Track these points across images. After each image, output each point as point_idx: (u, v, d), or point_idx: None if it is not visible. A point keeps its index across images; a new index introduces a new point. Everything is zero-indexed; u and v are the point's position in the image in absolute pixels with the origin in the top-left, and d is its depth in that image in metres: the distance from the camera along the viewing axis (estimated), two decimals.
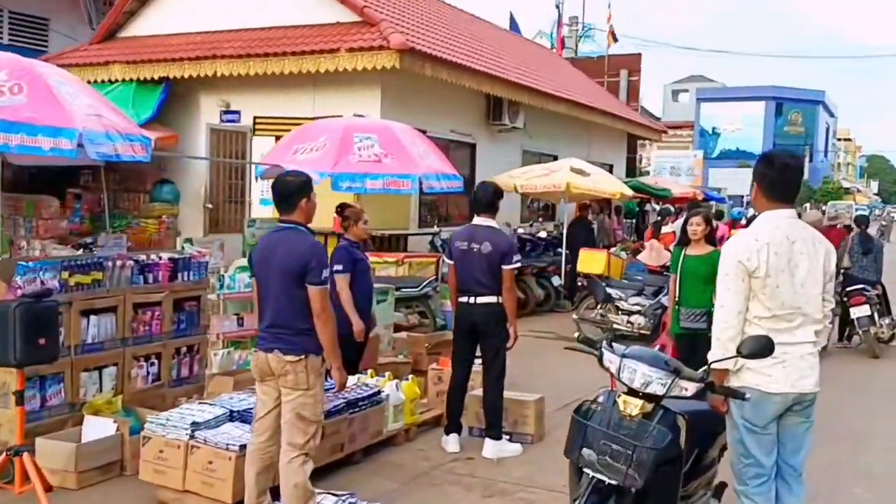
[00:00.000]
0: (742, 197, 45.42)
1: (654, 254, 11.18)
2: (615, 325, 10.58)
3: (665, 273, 10.81)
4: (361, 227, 6.68)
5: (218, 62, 13.11)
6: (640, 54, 26.35)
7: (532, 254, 14.98)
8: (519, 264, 5.96)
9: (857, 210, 53.87)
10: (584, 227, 14.66)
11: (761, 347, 3.41)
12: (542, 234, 15.69)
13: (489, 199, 5.95)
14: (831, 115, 73.45)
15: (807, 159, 59.64)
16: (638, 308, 10.48)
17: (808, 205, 45.88)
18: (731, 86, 70.66)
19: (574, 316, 10.94)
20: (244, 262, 7.06)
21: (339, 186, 7.25)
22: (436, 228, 13.10)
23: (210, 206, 13.50)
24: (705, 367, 3.62)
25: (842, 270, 10.81)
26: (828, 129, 71.94)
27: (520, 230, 14.92)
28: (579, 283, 11.39)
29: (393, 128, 7.88)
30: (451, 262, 6.03)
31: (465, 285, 5.92)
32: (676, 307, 6.97)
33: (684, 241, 7.13)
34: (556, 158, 16.89)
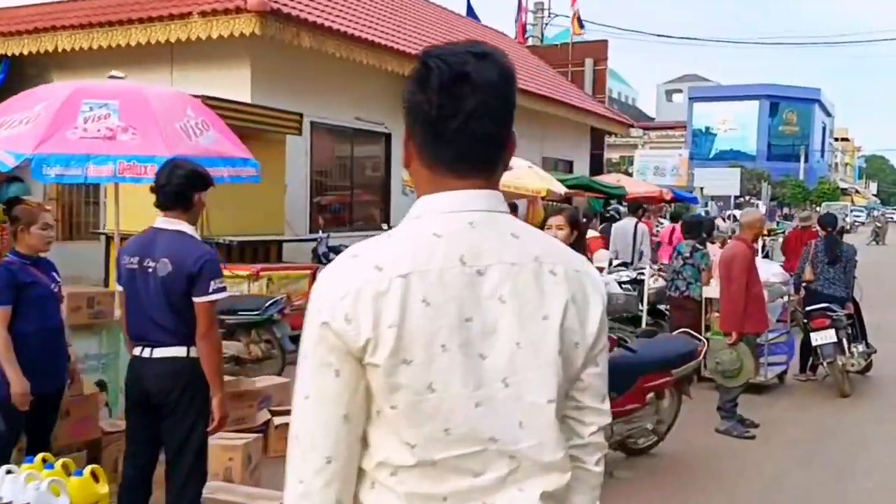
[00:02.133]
0: (730, 198, 43.33)
1: None
2: None
3: None
4: (37, 233, 4.40)
5: (59, 35, 10.95)
6: (606, 41, 24.03)
7: None
8: (223, 294, 3.66)
9: (851, 211, 51.82)
10: None
11: None
12: None
13: (177, 186, 3.65)
14: (828, 114, 71.39)
15: (802, 159, 57.66)
16: None
17: (759, 201, 43.06)
18: (725, 84, 68.73)
19: None
20: None
21: (42, 174, 5.02)
22: (320, 233, 10.81)
23: (49, 208, 11.24)
24: None
25: (803, 285, 8.56)
26: (824, 129, 69.85)
27: None
28: None
29: (146, 93, 5.63)
30: (122, 290, 3.75)
31: (137, 328, 3.65)
32: None
33: None
34: None
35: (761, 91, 63.44)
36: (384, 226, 12.18)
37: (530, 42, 25.68)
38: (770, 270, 8.38)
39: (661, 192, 19.13)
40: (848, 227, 43.97)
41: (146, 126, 5.28)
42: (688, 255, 8.27)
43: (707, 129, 64.10)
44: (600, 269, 9.02)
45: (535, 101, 16.97)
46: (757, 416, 6.94)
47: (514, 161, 11.83)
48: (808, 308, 8.18)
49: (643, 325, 8.16)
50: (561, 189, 11.86)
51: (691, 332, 6.17)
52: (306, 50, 10.46)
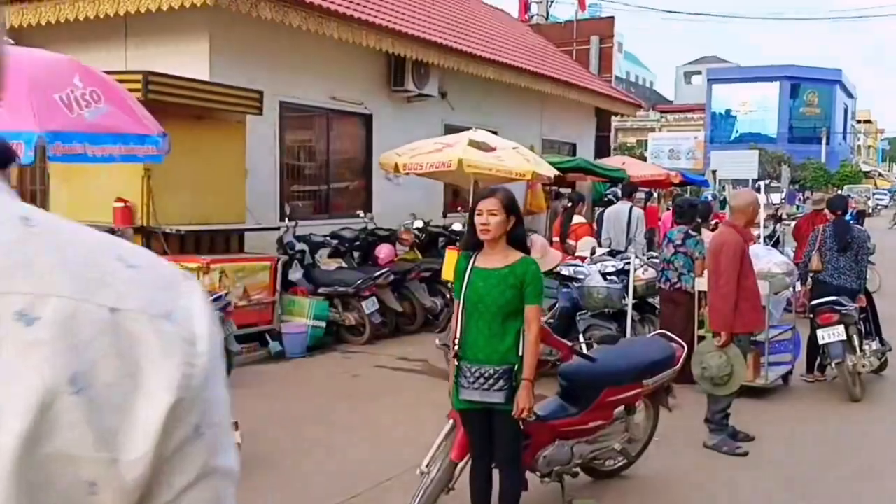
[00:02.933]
0: (748, 182, 42.13)
1: (535, 255, 7.99)
2: None
3: (564, 281, 7.74)
4: None
5: (3, 10, 10.15)
6: (612, 18, 22.99)
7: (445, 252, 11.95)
8: None
9: (873, 194, 50.32)
10: None
11: None
12: (458, 227, 12.61)
13: None
14: (849, 95, 69.54)
15: (824, 142, 56.11)
16: None
17: (763, 182, 41.44)
18: (745, 66, 67.16)
19: (437, 341, 7.83)
20: None
21: None
22: (287, 222, 9.96)
23: None
24: None
25: (810, 275, 7.65)
26: (846, 110, 68.06)
27: (418, 223, 11.79)
28: (448, 296, 8.31)
29: (22, 60, 4.84)
30: None
31: None
32: (457, 363, 3.92)
33: (473, 240, 4.04)
34: None
35: (781, 72, 61.79)
36: (360, 212, 11.35)
37: (535, 21, 24.64)
38: (772, 260, 7.47)
39: (668, 174, 18.13)
40: (870, 210, 42.74)
41: (16, 97, 4.48)
42: (679, 242, 7.40)
43: (727, 111, 62.64)
44: (582, 259, 8.15)
45: (534, 81, 16.01)
46: (753, 426, 6.07)
47: (498, 142, 10.83)
48: (814, 301, 7.27)
49: (629, 320, 7.29)
50: (550, 172, 10.91)
51: (668, 333, 5.29)
52: (269, 23, 9.62)
